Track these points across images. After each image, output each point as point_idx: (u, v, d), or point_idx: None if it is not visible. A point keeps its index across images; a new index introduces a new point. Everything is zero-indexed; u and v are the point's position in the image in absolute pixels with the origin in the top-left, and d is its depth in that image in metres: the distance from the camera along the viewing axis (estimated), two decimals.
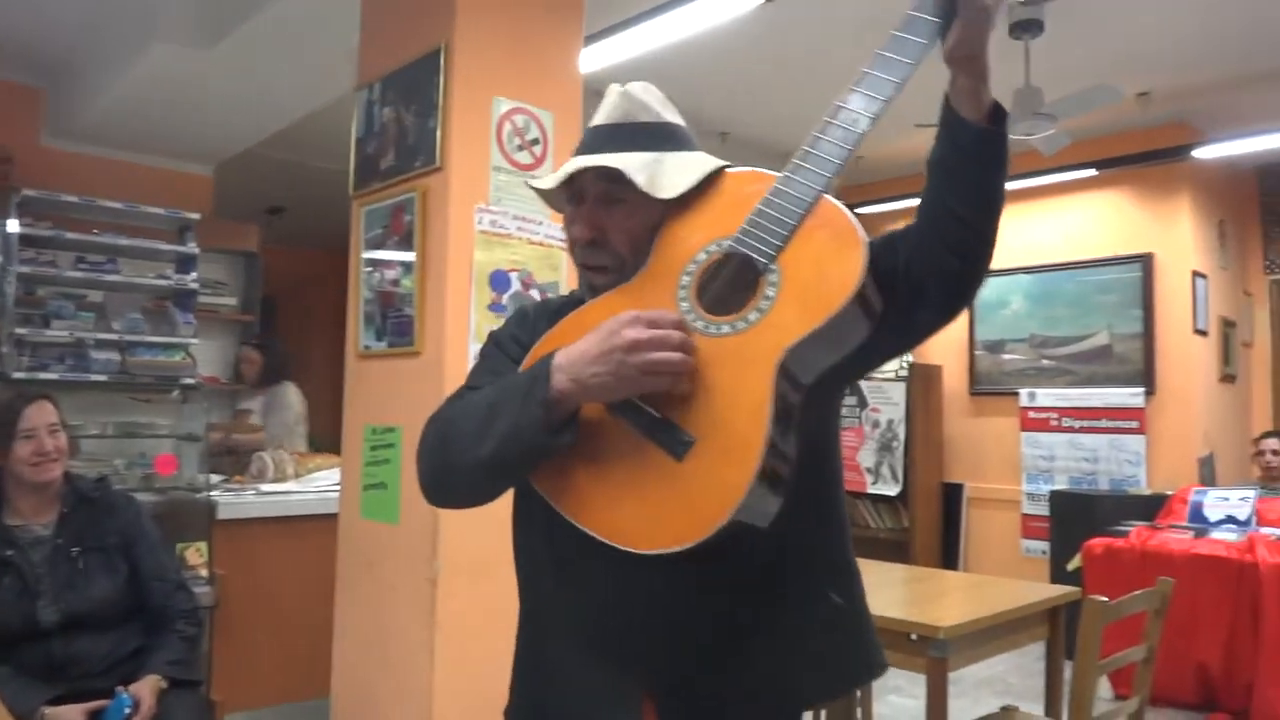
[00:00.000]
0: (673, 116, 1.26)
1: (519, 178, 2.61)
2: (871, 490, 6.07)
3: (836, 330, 1.02)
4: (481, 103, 2.59)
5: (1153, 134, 5.38)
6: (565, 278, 2.69)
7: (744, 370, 1.01)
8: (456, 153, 2.53)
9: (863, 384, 6.09)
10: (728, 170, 1.18)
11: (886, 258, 1.07)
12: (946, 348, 6.38)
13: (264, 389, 4.74)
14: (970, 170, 1.04)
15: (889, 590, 3.08)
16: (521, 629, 1.28)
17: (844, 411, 6.19)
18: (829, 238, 1.04)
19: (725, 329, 1.05)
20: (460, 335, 2.49)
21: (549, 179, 1.23)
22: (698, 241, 1.12)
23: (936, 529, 6.17)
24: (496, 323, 2.53)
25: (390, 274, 2.68)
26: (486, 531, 2.35)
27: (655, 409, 1.03)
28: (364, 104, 2.88)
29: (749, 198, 1.09)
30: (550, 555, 1.19)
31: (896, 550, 5.78)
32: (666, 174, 1.16)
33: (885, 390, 6.07)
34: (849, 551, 1.28)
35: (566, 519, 1.06)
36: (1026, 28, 4.10)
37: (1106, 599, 2.25)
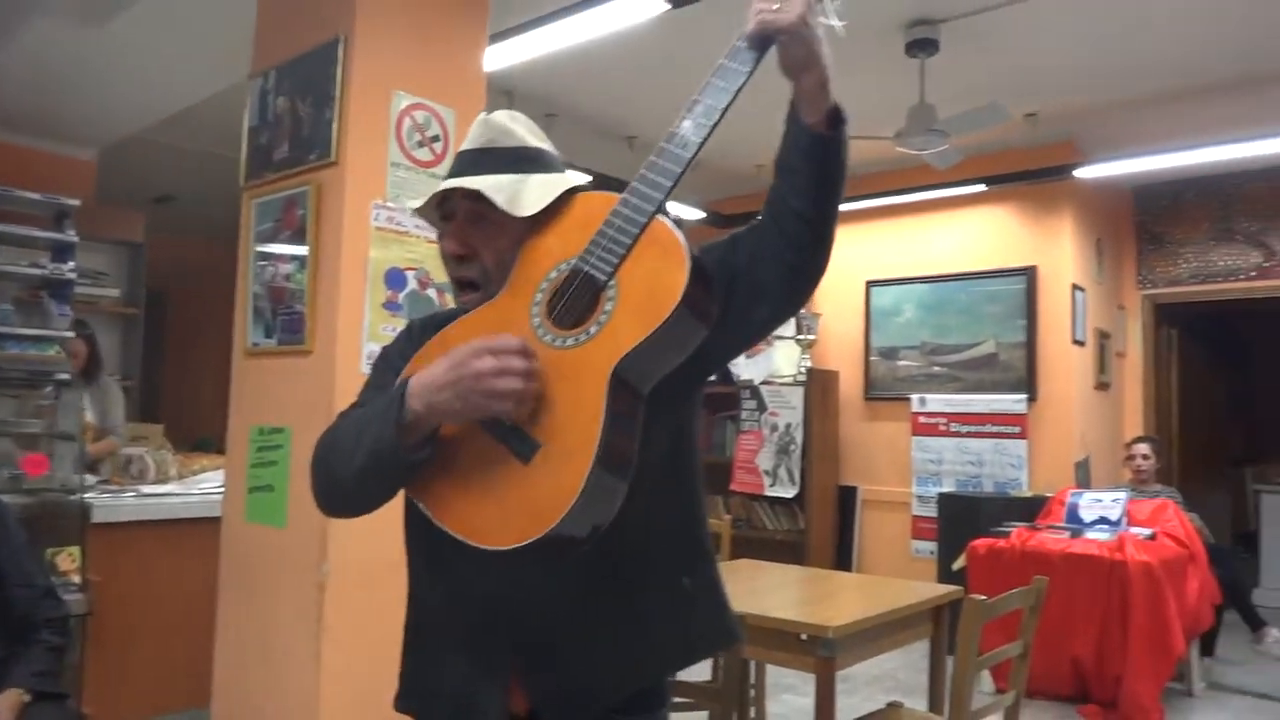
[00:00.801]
0: (537, 141, 1.34)
1: (418, 174, 2.57)
2: (769, 493, 6.17)
3: (670, 337, 1.12)
4: (380, 97, 2.54)
5: (1039, 153, 5.62)
6: None
7: (583, 379, 1.11)
8: (353, 147, 2.47)
9: (762, 388, 6.19)
10: (580, 192, 1.26)
11: (728, 257, 1.21)
12: (843, 354, 6.54)
13: (90, 383, 4.44)
14: (809, 171, 1.16)
15: (783, 591, 3.14)
16: (407, 616, 1.38)
17: (744, 415, 6.29)
18: (658, 254, 1.13)
19: (570, 342, 1.14)
20: (353, 334, 2.43)
21: (418, 200, 1.35)
22: (550, 260, 1.21)
23: (832, 530, 6.32)
24: (391, 322, 2.49)
25: (282, 269, 2.60)
26: (376, 535, 2.29)
27: (507, 417, 1.12)
28: (258, 92, 2.79)
29: (594, 218, 1.18)
30: (428, 548, 1.29)
31: (793, 552, 5.89)
32: (526, 194, 1.25)
33: (784, 395, 6.19)
34: (704, 538, 1.38)
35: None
36: (922, 47, 4.25)
37: (985, 598, 2.34)
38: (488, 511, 1.12)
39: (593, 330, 1.13)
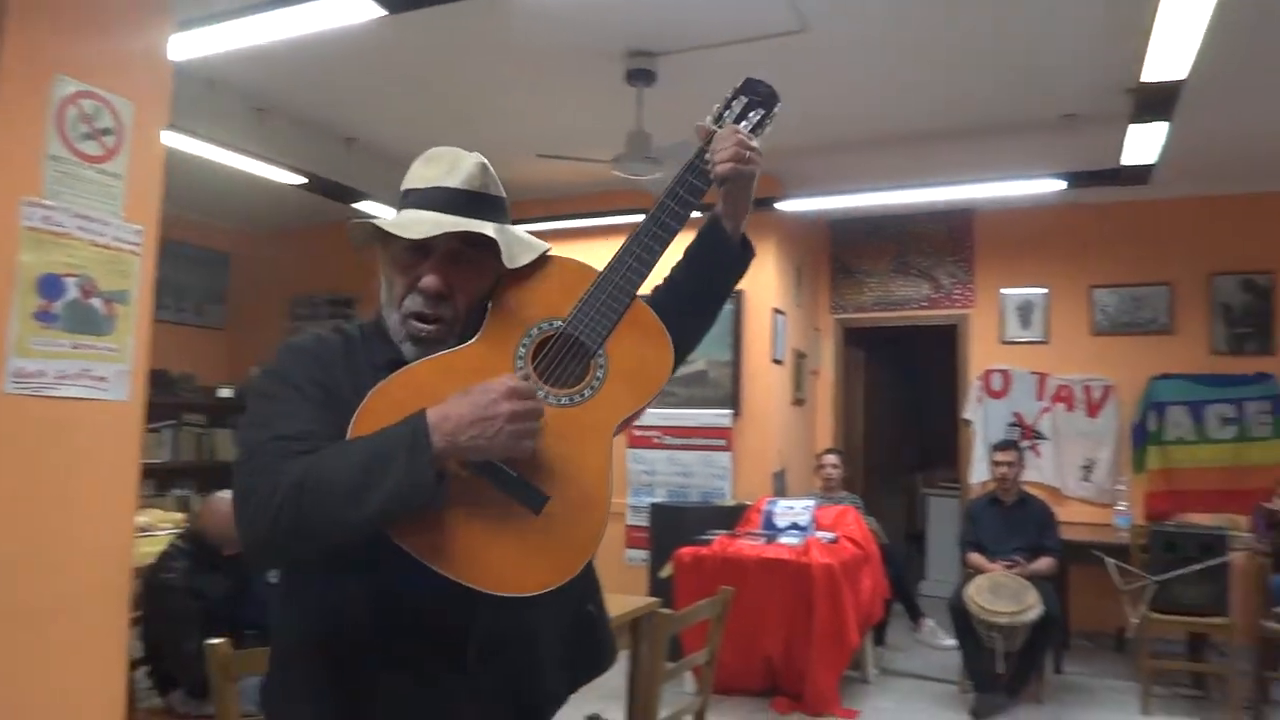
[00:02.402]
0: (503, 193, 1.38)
1: (84, 170, 2.31)
2: None
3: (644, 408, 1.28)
4: (39, 80, 2.26)
5: None
6: (139, 285, 2.42)
7: (585, 437, 1.21)
8: (0, 134, 2.18)
9: None
10: (552, 254, 1.34)
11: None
12: None
13: None
14: (725, 274, 1.46)
15: None
16: (294, 650, 1.28)
17: None
18: (643, 334, 1.28)
19: (564, 400, 1.23)
20: None
21: (405, 226, 1.26)
22: (532, 316, 1.27)
23: None
24: (45, 335, 2.21)
25: None
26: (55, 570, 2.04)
27: (511, 469, 1.15)
28: None
29: (576, 285, 1.28)
30: (368, 600, 1.22)
31: None
32: (514, 248, 1.30)
33: None
34: (593, 565, 1.45)
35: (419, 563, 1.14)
36: (641, 77, 4.42)
37: (672, 612, 2.45)
38: (502, 560, 1.15)
39: (587, 394, 1.24)
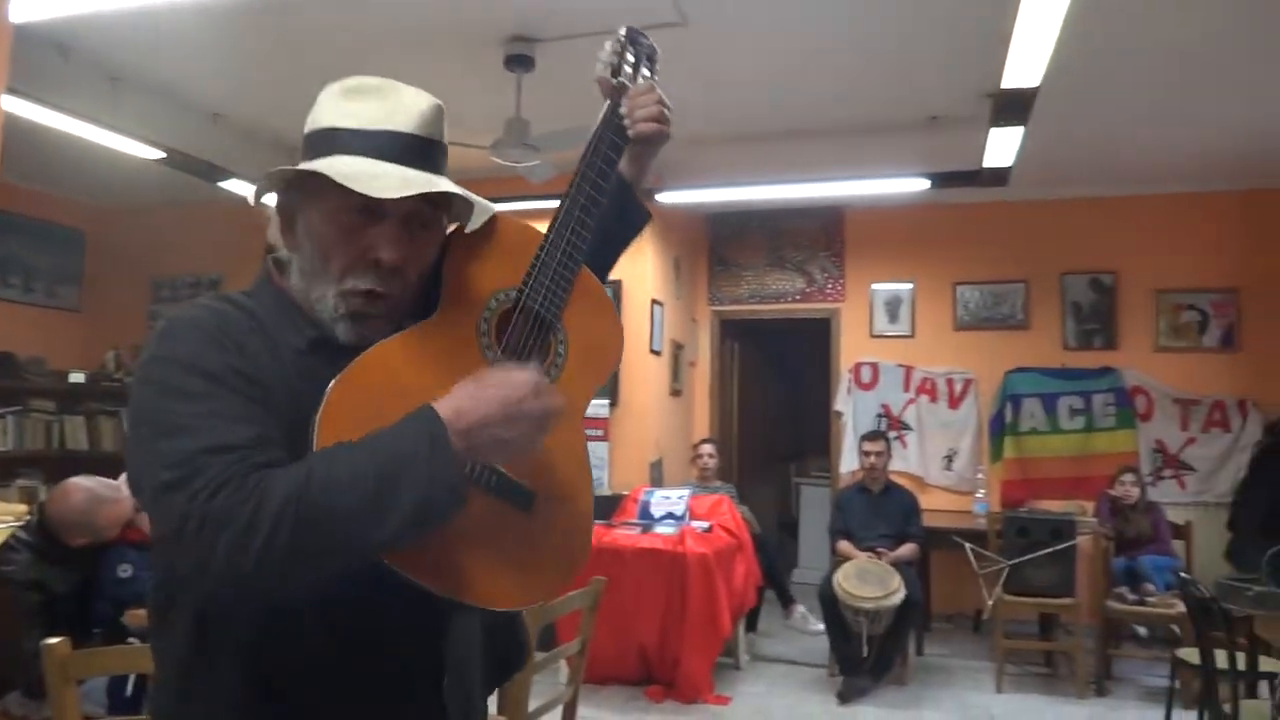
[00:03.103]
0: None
1: None
2: None
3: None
4: None
5: None
6: None
7: (560, 422, 1.06)
8: None
9: None
10: (499, 214, 1.18)
11: None
12: None
13: None
14: (625, 241, 1.39)
15: None
16: (194, 663, 1.04)
17: None
18: (595, 305, 1.20)
19: None
20: None
21: (385, 186, 1.02)
22: (485, 287, 1.13)
23: None
24: None
25: None
26: None
27: (494, 466, 1.05)
28: None
29: (523, 248, 1.15)
30: (324, 632, 1.03)
31: None
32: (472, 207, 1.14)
33: None
34: None
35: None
36: (520, 63, 4.36)
37: (541, 603, 2.43)
38: (504, 574, 1.05)
39: (553, 373, 1.13)
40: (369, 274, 1.06)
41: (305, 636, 1.01)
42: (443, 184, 1.07)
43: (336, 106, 1.10)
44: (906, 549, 5.05)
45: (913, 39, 4.16)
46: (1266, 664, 3.34)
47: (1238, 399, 6.16)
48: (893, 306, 6.90)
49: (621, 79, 1.29)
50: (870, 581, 4.71)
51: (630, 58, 1.31)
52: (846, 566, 4.84)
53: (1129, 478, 5.30)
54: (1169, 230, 6.35)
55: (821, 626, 5.02)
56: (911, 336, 6.85)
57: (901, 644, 4.86)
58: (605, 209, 1.22)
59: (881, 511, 5.22)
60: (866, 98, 4.89)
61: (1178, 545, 5.30)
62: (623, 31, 1.32)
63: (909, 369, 6.79)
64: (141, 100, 4.90)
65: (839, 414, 6.93)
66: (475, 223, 1.14)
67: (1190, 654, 3.57)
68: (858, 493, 5.35)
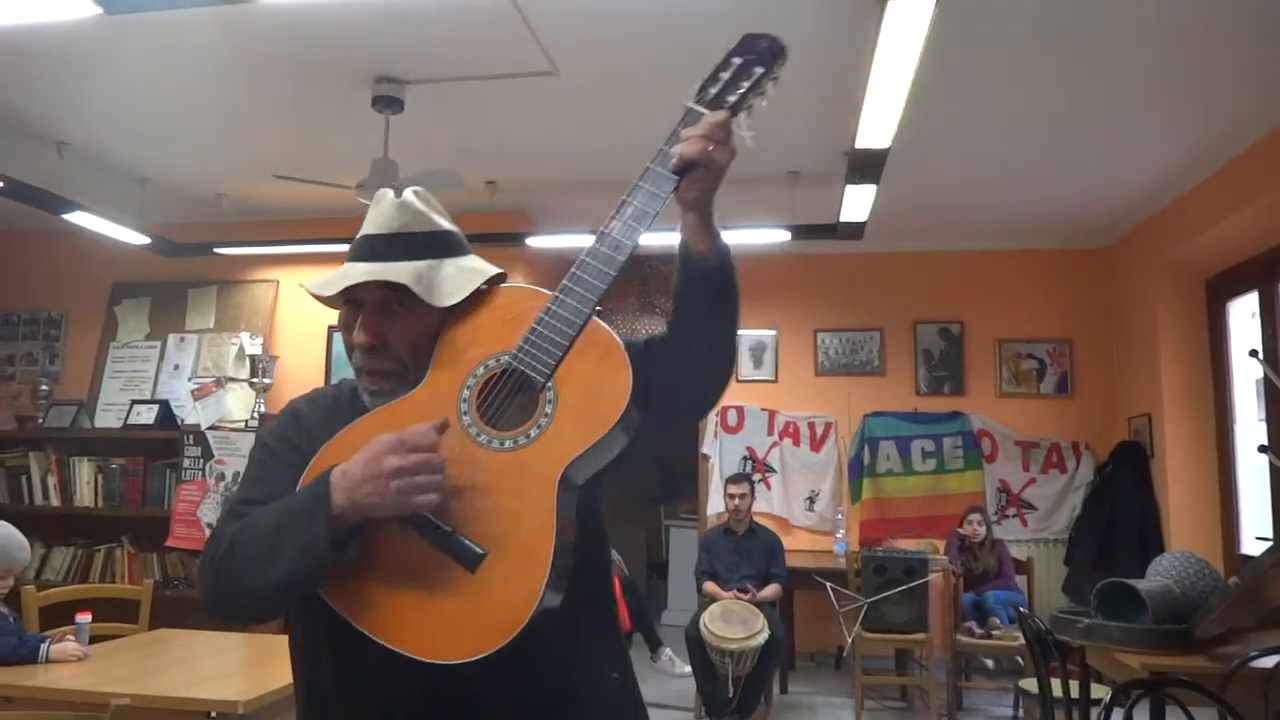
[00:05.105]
0: (447, 223, 1.31)
1: None
2: None
3: (605, 444, 1.12)
4: None
5: (498, 218, 6.03)
6: None
7: (526, 485, 1.09)
8: None
9: (209, 434, 5.70)
10: (502, 283, 1.26)
11: (645, 367, 1.16)
12: None
13: None
14: (707, 301, 1.23)
15: (206, 662, 2.89)
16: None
17: (186, 463, 5.74)
18: (598, 359, 1.14)
19: (508, 444, 1.12)
20: None
21: (324, 285, 1.24)
22: (477, 354, 1.18)
23: None
24: None
25: None
26: None
27: (443, 522, 1.07)
28: None
29: (525, 314, 1.17)
30: (331, 653, 1.20)
31: None
32: (445, 281, 1.23)
33: (233, 441, 5.76)
34: (620, 629, 1.40)
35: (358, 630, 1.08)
36: (388, 104, 4.33)
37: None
38: (432, 623, 1.06)
39: (533, 434, 1.12)
40: (356, 354, 1.26)
41: (319, 662, 1.22)
42: (379, 272, 1.21)
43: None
44: (770, 589, 5.16)
45: (775, 100, 4.32)
46: (1098, 690, 3.56)
47: (1072, 442, 6.61)
48: (757, 352, 7.10)
49: (704, 96, 1.19)
50: (734, 622, 4.79)
51: (730, 69, 1.20)
52: (713, 608, 4.91)
53: (975, 517, 5.58)
54: (1008, 284, 6.81)
55: (689, 669, 5.05)
56: (775, 381, 7.06)
57: (766, 683, 4.94)
58: (679, 276, 1.22)
59: (746, 552, 5.32)
60: None
61: (1021, 580, 5.60)
62: (737, 41, 1.21)
63: (773, 413, 6.99)
64: None
65: (706, 457, 7.05)
66: (451, 296, 1.22)
67: (1031, 684, 3.77)
68: (723, 534, 5.44)
